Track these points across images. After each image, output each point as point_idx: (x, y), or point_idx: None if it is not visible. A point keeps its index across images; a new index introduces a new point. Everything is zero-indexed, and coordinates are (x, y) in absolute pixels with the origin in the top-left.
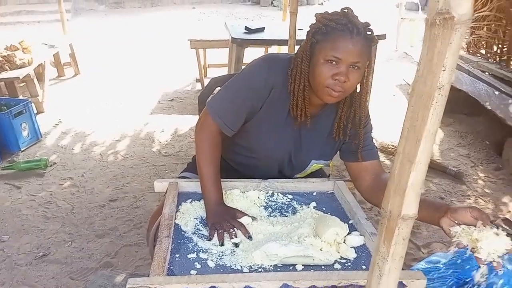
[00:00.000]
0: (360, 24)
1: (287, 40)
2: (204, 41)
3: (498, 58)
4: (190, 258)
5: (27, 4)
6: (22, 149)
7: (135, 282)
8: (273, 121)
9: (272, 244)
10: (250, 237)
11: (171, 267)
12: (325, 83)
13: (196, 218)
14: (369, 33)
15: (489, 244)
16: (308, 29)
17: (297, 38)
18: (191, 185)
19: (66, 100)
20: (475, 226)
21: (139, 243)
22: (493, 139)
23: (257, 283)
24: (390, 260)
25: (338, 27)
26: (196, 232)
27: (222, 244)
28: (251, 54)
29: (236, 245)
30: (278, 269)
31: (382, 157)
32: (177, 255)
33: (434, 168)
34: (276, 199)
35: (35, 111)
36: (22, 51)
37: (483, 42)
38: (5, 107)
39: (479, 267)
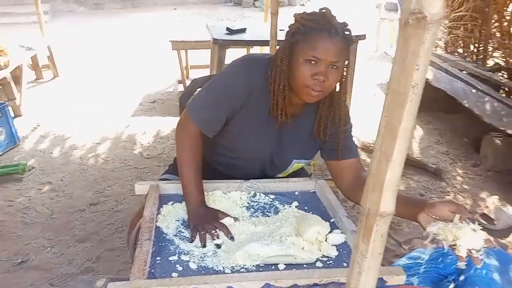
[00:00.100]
0: (338, 24)
1: (269, 41)
2: (185, 42)
3: (475, 57)
4: (171, 261)
5: (2, 5)
6: None
7: (115, 287)
8: (253, 121)
9: (254, 244)
10: (232, 238)
11: (152, 270)
12: (304, 83)
13: (178, 220)
14: (347, 33)
15: (467, 241)
16: (287, 29)
17: (278, 38)
18: (173, 187)
19: (44, 103)
20: (452, 220)
21: (120, 247)
22: (471, 136)
23: (239, 284)
24: (369, 257)
25: (317, 27)
26: (178, 234)
27: (204, 246)
28: (233, 55)
29: (218, 246)
30: (261, 269)
31: (363, 156)
32: (158, 258)
33: (414, 166)
34: (259, 199)
35: (12, 115)
36: None
37: (460, 42)
38: None
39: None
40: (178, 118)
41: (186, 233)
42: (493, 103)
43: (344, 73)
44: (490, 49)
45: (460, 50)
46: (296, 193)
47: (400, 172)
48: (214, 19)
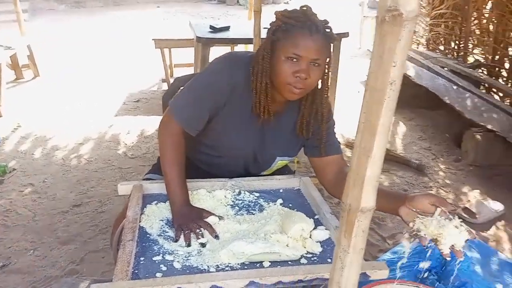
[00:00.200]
0: (319, 22)
1: (252, 39)
2: (169, 41)
3: (455, 54)
4: (155, 261)
5: None
6: None
7: None
8: (236, 119)
9: (239, 242)
10: (217, 237)
11: (136, 271)
12: (286, 80)
13: (162, 220)
14: (328, 30)
15: (450, 238)
16: (269, 27)
17: (262, 36)
18: (156, 187)
19: (25, 104)
20: (433, 213)
21: (105, 249)
22: (452, 132)
23: (224, 282)
24: (351, 252)
25: (298, 25)
26: (162, 234)
27: (188, 245)
28: (217, 54)
29: (203, 245)
30: (246, 267)
31: (348, 152)
32: (142, 259)
33: (398, 162)
34: (243, 197)
35: None
36: None
37: (441, 39)
38: None
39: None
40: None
41: (171, 233)
42: (474, 99)
43: (326, 70)
44: (470, 46)
45: (441, 47)
46: (281, 190)
47: (380, 168)
48: (198, 17)
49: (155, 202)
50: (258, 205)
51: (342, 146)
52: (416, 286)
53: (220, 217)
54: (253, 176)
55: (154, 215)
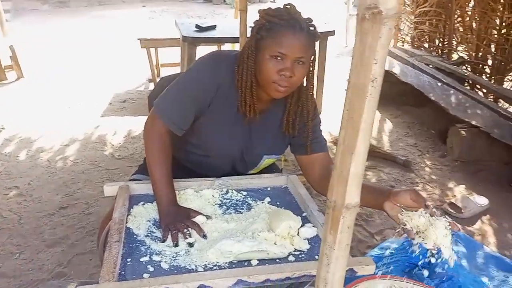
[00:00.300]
0: (302, 20)
1: (238, 38)
2: (155, 40)
3: (440, 51)
4: (142, 262)
5: None
6: None
7: None
8: (222, 118)
9: (226, 241)
10: (204, 236)
11: (123, 272)
12: (271, 79)
13: (149, 221)
14: (312, 28)
15: (434, 234)
16: (253, 25)
17: (248, 35)
18: (143, 187)
19: (9, 105)
20: (416, 208)
21: (92, 251)
22: (438, 128)
23: (212, 281)
24: (337, 248)
25: (281, 23)
26: (149, 234)
27: (176, 245)
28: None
29: (191, 244)
30: (234, 266)
31: (335, 150)
32: (129, 260)
33: (385, 158)
34: (231, 196)
35: None
36: None
37: (426, 36)
38: None
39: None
40: None
41: (158, 233)
42: (458, 95)
43: (311, 68)
44: (454, 43)
45: (426, 45)
46: (268, 188)
47: (364, 164)
48: (184, 17)
49: (142, 202)
50: (246, 203)
51: (329, 144)
52: (403, 281)
53: (208, 217)
54: (241, 175)
55: (141, 215)
